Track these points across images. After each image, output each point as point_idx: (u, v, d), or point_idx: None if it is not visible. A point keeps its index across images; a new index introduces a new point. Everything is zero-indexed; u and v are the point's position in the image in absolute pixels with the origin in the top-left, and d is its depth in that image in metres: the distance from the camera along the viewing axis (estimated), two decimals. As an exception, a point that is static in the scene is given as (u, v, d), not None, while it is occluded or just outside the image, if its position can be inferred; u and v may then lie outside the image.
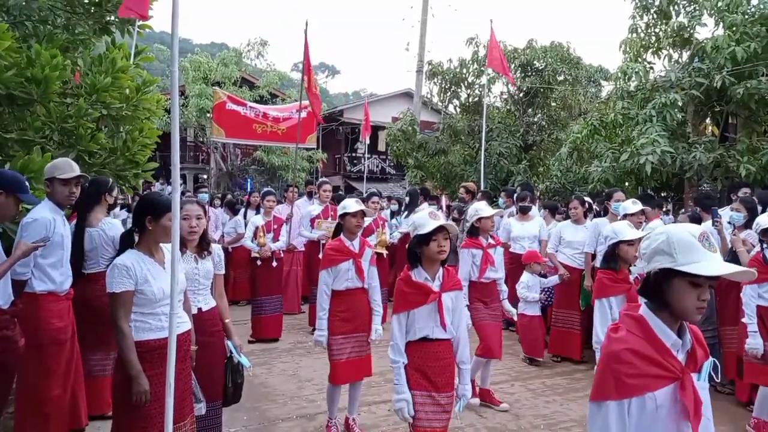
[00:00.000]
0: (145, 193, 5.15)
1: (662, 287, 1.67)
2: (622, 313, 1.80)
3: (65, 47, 5.11)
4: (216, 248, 3.60)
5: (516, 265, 6.81)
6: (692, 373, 1.67)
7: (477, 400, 4.79)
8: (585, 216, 6.49)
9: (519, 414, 4.72)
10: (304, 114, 8.06)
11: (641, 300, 1.77)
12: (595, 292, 4.10)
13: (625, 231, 3.97)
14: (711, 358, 1.74)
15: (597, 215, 6.93)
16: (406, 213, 8.46)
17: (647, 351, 1.64)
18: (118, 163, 5.10)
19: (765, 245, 4.25)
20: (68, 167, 3.75)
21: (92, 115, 4.75)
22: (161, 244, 2.89)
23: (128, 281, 2.68)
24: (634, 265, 4.38)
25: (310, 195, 8.90)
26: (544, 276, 6.27)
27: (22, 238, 3.41)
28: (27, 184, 3.41)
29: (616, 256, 4.06)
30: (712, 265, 1.61)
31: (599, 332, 3.97)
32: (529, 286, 6.05)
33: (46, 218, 3.58)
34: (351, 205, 4.15)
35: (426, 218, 2.95)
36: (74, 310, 3.87)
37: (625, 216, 5.17)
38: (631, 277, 4.05)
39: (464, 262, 4.77)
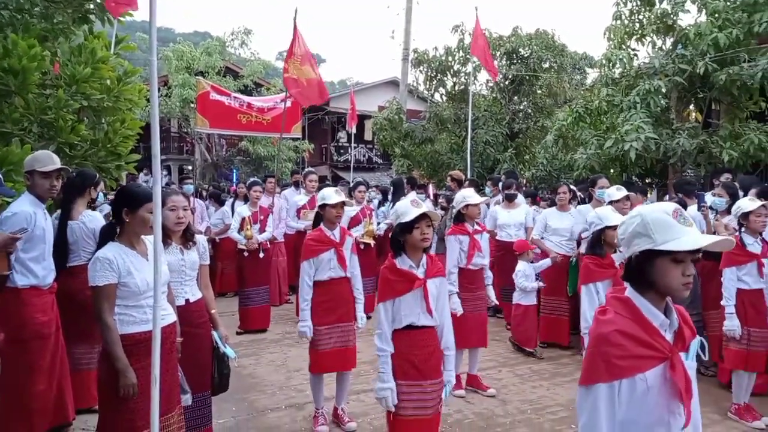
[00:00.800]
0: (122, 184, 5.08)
1: (645, 269, 1.67)
2: (608, 295, 1.79)
3: (44, 37, 5.01)
4: (201, 239, 3.57)
5: (503, 252, 6.85)
6: (680, 352, 1.67)
7: (462, 392, 4.82)
8: (569, 203, 6.53)
9: (506, 399, 4.76)
10: (288, 103, 7.97)
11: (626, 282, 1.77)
12: (581, 277, 4.12)
13: (610, 216, 4.00)
14: (698, 337, 1.73)
15: (581, 202, 6.98)
16: (391, 203, 8.45)
17: (636, 332, 1.63)
18: (100, 155, 5.03)
19: (743, 229, 4.31)
20: (49, 160, 3.69)
21: (72, 106, 4.68)
22: (143, 236, 2.86)
23: (111, 274, 2.65)
24: (620, 251, 4.41)
25: (297, 185, 8.86)
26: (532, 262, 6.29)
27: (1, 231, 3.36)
28: (0, 176, 3.36)
29: (601, 241, 4.09)
30: (691, 239, 1.62)
31: (588, 317, 4.00)
32: (527, 275, 6.03)
33: (26, 212, 3.53)
34: (331, 195, 4.12)
35: (408, 206, 2.95)
36: (57, 303, 3.83)
37: (609, 203, 5.21)
38: (617, 262, 4.08)
39: (452, 249, 4.78)
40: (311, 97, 7.60)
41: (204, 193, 10.20)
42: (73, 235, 4.13)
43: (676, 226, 1.63)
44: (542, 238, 6.43)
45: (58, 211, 4.24)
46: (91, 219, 4.19)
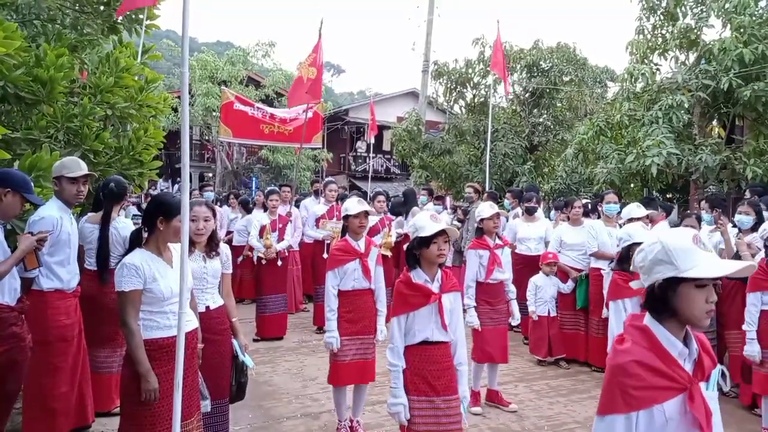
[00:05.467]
0: (157, 193, 5.17)
1: (668, 297, 1.64)
2: (626, 324, 1.77)
3: (74, 46, 5.13)
4: (224, 247, 3.62)
5: (522, 266, 6.81)
6: (700, 382, 1.63)
7: (479, 409, 4.77)
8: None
9: (523, 415, 4.72)
10: (310, 114, 8.06)
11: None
12: (609, 293, 4.05)
13: (640, 233, 3.95)
14: (719, 366, 1.70)
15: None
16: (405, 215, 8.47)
17: (653, 362, 1.60)
18: (123, 162, 5.12)
19: None
20: (76, 166, 3.79)
21: (97, 114, 4.78)
22: (170, 243, 2.92)
23: (137, 280, 2.71)
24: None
25: (317, 194, 8.91)
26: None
27: None
28: (32, 184, 3.46)
29: (630, 257, 4.04)
30: (715, 265, 1.60)
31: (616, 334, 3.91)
32: (538, 286, 6.09)
33: (53, 216, 3.61)
34: (353, 206, 4.12)
35: (427, 220, 2.95)
36: (81, 306, 3.90)
37: (629, 220, 5.16)
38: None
39: (471, 263, 4.76)
40: (303, 97, 7.67)
41: (234, 201, 10.15)
42: None
43: (697, 252, 1.61)
44: (559, 253, 6.40)
45: (88, 215, 4.35)
46: (123, 226, 4.27)
